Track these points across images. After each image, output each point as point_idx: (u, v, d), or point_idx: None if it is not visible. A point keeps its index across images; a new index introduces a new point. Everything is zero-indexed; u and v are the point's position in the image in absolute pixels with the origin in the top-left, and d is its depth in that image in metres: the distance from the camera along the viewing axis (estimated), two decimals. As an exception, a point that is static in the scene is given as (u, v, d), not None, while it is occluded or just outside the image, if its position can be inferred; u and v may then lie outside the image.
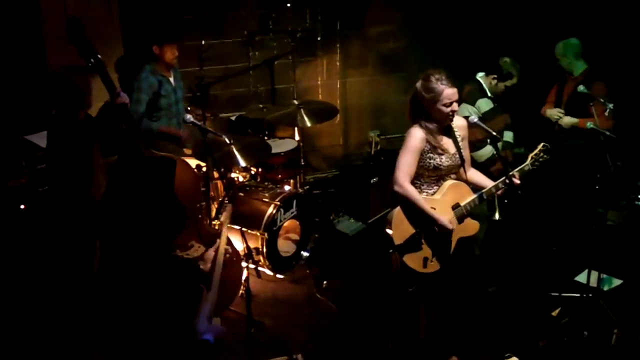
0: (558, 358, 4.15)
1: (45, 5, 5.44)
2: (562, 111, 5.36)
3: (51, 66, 3.99)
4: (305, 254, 5.30)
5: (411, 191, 3.64)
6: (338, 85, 6.96)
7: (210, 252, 3.89)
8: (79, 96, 4.00)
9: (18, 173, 4.76)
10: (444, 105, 3.60)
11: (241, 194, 5.14)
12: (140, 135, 4.05)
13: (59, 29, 4.37)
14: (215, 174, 4.86)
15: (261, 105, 5.70)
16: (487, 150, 5.01)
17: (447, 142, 3.72)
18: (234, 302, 4.41)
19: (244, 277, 4.29)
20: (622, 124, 5.04)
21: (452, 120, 3.70)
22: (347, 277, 5.07)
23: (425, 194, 3.72)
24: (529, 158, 3.87)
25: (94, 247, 3.97)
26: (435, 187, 3.74)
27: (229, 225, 4.27)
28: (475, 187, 3.84)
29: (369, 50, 6.93)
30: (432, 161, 3.67)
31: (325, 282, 5.01)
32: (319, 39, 6.69)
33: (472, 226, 3.83)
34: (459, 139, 3.75)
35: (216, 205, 4.99)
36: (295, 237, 5.30)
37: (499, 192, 3.80)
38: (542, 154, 3.86)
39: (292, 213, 5.14)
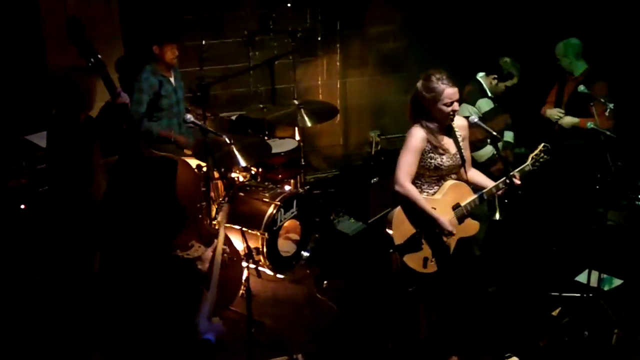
0: (558, 358, 4.15)
1: (45, 5, 5.44)
2: (562, 111, 5.36)
3: (56, 67, 3.99)
4: (305, 253, 5.31)
5: (412, 191, 3.64)
6: (338, 85, 6.96)
7: (208, 252, 3.89)
8: (82, 98, 4.01)
9: (18, 173, 4.76)
10: (445, 104, 3.60)
11: (241, 193, 5.14)
12: (140, 135, 4.05)
13: (59, 29, 4.37)
14: (216, 174, 4.86)
15: (261, 105, 5.70)
16: (488, 150, 5.01)
17: (448, 142, 3.72)
18: (234, 302, 4.40)
19: (244, 277, 4.29)
20: (623, 124, 5.04)
21: (452, 120, 3.70)
22: (347, 277, 5.08)
23: (425, 193, 3.72)
24: (530, 158, 3.87)
25: (94, 247, 3.97)
26: (435, 187, 3.74)
27: (228, 225, 4.27)
28: (475, 187, 3.84)
29: (369, 50, 6.93)
30: (433, 161, 3.67)
31: (325, 282, 5.01)
32: (319, 39, 6.70)
33: (472, 226, 3.84)
34: (459, 139, 3.75)
35: (217, 205, 4.99)
36: (296, 237, 5.31)
37: (500, 192, 3.80)
38: (542, 155, 3.86)
39: (292, 213, 5.14)
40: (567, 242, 5.29)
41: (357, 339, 4.34)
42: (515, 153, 5.25)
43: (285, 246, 5.23)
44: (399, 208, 3.69)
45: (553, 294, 4.70)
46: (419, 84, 3.67)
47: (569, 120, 5.30)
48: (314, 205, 5.46)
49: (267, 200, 5.01)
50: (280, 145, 5.59)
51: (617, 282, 4.82)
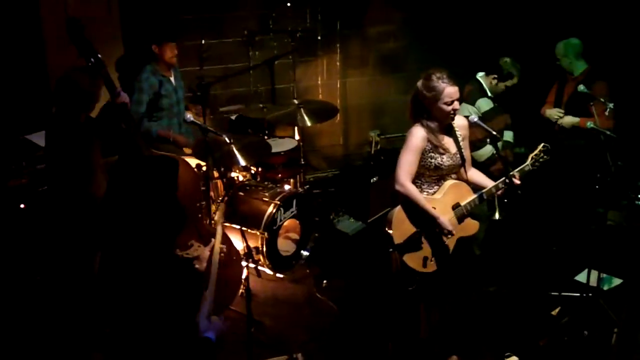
0: (558, 358, 4.15)
1: (45, 5, 5.44)
2: (562, 111, 5.36)
3: (69, 69, 4.01)
4: (305, 253, 5.31)
5: (412, 190, 3.64)
6: (338, 85, 6.97)
7: (206, 252, 3.89)
8: (87, 99, 4.02)
9: (18, 173, 4.76)
10: (445, 103, 3.60)
11: (241, 193, 5.14)
12: (140, 135, 4.05)
13: (59, 29, 4.38)
14: (215, 174, 4.86)
15: (261, 105, 5.70)
16: (487, 150, 5.01)
17: (448, 142, 3.72)
18: (234, 302, 4.40)
19: (244, 277, 4.29)
20: (623, 124, 5.04)
21: (453, 119, 3.69)
22: (347, 276, 5.08)
23: (425, 193, 3.72)
24: (530, 158, 3.87)
25: (95, 247, 3.97)
26: (435, 187, 3.74)
27: (227, 224, 4.27)
28: (475, 187, 3.84)
29: (369, 50, 6.93)
30: (433, 161, 3.66)
31: (325, 281, 5.01)
32: (319, 38, 6.70)
33: (472, 226, 3.84)
34: (460, 139, 3.74)
35: (216, 205, 5.00)
36: (295, 236, 5.31)
37: (499, 192, 3.80)
38: (542, 155, 3.86)
39: (292, 212, 5.15)
40: (567, 242, 5.29)
41: (357, 338, 4.34)
42: (515, 153, 5.25)
43: (285, 246, 5.23)
44: (399, 207, 3.69)
45: (553, 293, 4.70)
46: (420, 83, 3.67)
47: (569, 120, 5.30)
48: (313, 204, 5.46)
49: (266, 199, 5.01)
50: (280, 145, 5.59)
51: (617, 281, 4.82)
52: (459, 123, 3.78)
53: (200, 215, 4.34)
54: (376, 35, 6.90)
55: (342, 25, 6.77)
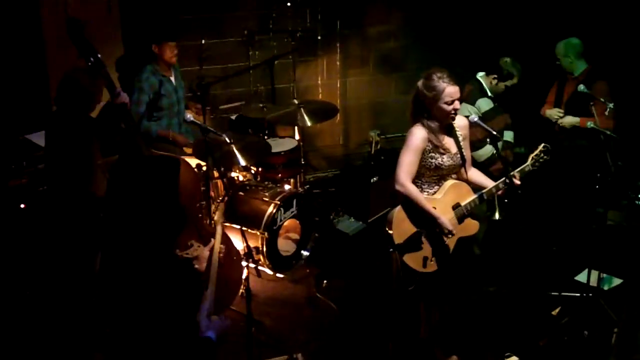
0: (558, 358, 4.15)
1: (45, 5, 5.44)
2: (562, 111, 5.36)
3: (64, 68, 4.02)
4: (305, 253, 5.31)
5: (413, 190, 3.64)
6: (338, 85, 6.97)
7: (205, 252, 3.89)
8: (89, 99, 4.02)
9: (18, 173, 4.76)
10: (446, 103, 3.60)
11: (241, 193, 5.14)
12: (140, 135, 4.05)
13: (59, 29, 4.38)
14: (215, 174, 4.86)
15: (261, 105, 5.71)
16: (487, 150, 5.00)
17: (448, 142, 3.72)
18: (234, 302, 4.40)
19: (244, 277, 4.29)
20: (623, 124, 5.04)
21: (454, 119, 3.69)
22: (347, 276, 5.08)
23: (426, 193, 3.72)
24: (530, 159, 3.87)
25: (95, 247, 3.97)
26: (436, 187, 3.74)
27: (227, 224, 4.26)
28: (475, 187, 3.84)
29: (369, 50, 6.93)
30: (433, 161, 3.66)
31: (325, 281, 5.01)
32: (319, 38, 6.69)
33: (472, 226, 3.84)
34: (460, 139, 3.74)
35: (216, 205, 5.00)
36: (296, 236, 5.31)
37: (500, 192, 3.80)
38: (542, 155, 3.86)
39: (292, 212, 5.15)
40: (567, 242, 5.29)
41: (357, 338, 4.34)
42: (515, 153, 5.25)
43: (285, 246, 5.23)
44: (399, 207, 3.69)
45: (553, 293, 4.70)
46: (420, 83, 3.66)
47: (569, 120, 5.30)
48: (313, 204, 5.46)
49: (266, 199, 5.01)
50: (280, 145, 5.59)
51: (617, 281, 4.82)
52: (460, 123, 3.78)
53: (200, 215, 4.34)
54: (376, 35, 6.90)
55: (342, 25, 6.77)
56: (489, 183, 3.83)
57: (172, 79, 5.31)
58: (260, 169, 5.46)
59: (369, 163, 6.21)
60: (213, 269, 3.71)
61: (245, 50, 6.20)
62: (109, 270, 3.83)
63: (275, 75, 6.05)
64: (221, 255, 3.98)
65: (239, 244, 4.34)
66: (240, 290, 4.44)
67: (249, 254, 3.95)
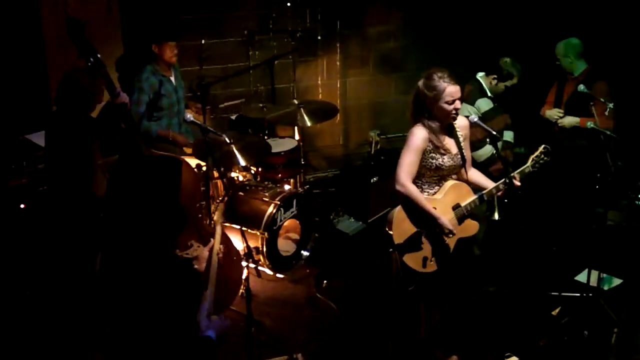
0: (558, 358, 4.15)
1: (45, 5, 5.44)
2: (562, 111, 5.35)
3: (64, 68, 4.03)
4: (305, 253, 5.31)
5: (413, 190, 3.64)
6: (338, 85, 6.97)
7: (205, 252, 3.89)
8: (89, 99, 4.02)
9: (18, 173, 4.76)
10: (447, 102, 3.59)
11: (241, 193, 5.14)
12: (140, 135, 4.05)
13: (59, 29, 4.37)
14: (215, 174, 4.86)
15: (261, 105, 5.71)
16: (487, 150, 5.00)
17: (449, 142, 3.72)
18: (234, 302, 4.40)
19: (244, 277, 4.29)
20: (623, 124, 5.04)
21: (454, 119, 3.69)
22: (347, 276, 5.08)
23: (426, 193, 3.72)
24: (530, 160, 3.87)
25: (95, 247, 3.97)
26: (436, 187, 3.74)
27: (227, 224, 4.25)
28: (475, 188, 3.84)
29: (369, 50, 6.93)
30: (434, 161, 3.66)
31: (325, 281, 5.01)
32: (319, 38, 6.69)
33: (472, 227, 3.84)
34: (460, 139, 3.74)
35: (216, 205, 5.00)
36: (296, 236, 5.31)
37: (500, 193, 3.80)
38: (543, 156, 3.86)
39: (292, 212, 5.14)
40: (567, 242, 5.29)
41: (357, 339, 4.34)
42: (515, 153, 5.25)
43: (285, 246, 5.23)
44: (399, 207, 3.69)
45: (553, 293, 4.70)
46: (421, 83, 3.66)
47: (570, 120, 5.29)
48: (313, 204, 5.46)
49: (266, 199, 5.01)
50: (280, 145, 5.59)
51: (617, 281, 4.82)
52: (460, 123, 3.77)
53: (200, 216, 4.34)
54: (376, 35, 6.90)
55: (342, 25, 6.77)
56: (488, 184, 3.83)
57: (172, 79, 5.31)
58: (260, 169, 5.46)
59: (369, 163, 6.21)
60: (213, 269, 3.71)
61: (245, 50, 6.20)
62: (109, 270, 3.83)
63: (275, 75, 6.05)
64: (221, 255, 3.99)
65: (238, 244, 4.34)
66: (240, 291, 4.43)
67: (249, 254, 3.95)
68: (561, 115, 5.34)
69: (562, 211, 5.44)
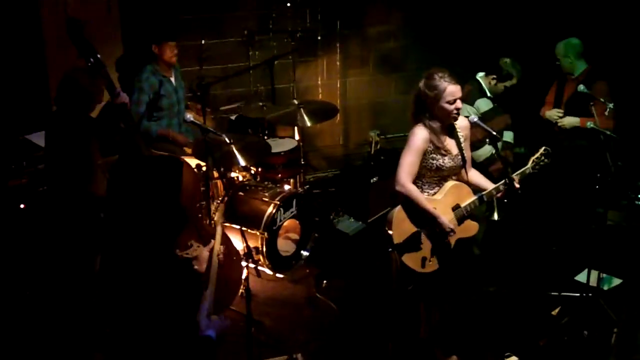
0: (558, 358, 4.15)
1: (45, 5, 5.44)
2: (562, 111, 5.35)
3: (64, 68, 4.03)
4: (305, 253, 5.31)
5: (413, 191, 3.64)
6: (338, 85, 6.96)
7: (205, 252, 3.89)
8: (89, 99, 4.02)
9: (18, 173, 4.76)
10: (448, 102, 3.59)
11: (241, 193, 5.14)
12: (140, 135, 4.06)
13: (59, 29, 4.37)
14: (215, 174, 4.86)
15: (261, 105, 5.71)
16: (486, 150, 5.00)
17: (450, 143, 3.71)
18: (234, 302, 4.40)
19: (244, 277, 4.29)
20: (623, 124, 5.04)
21: (455, 119, 3.68)
22: (347, 277, 5.08)
23: (426, 194, 3.72)
24: (530, 161, 3.88)
25: (95, 247, 3.97)
26: (436, 188, 3.74)
27: (227, 224, 4.25)
28: (475, 188, 3.84)
29: (369, 50, 6.93)
30: (434, 162, 3.66)
31: (325, 281, 5.01)
32: (319, 38, 6.69)
33: (471, 227, 3.84)
34: (461, 140, 3.74)
35: (215, 205, 5.00)
36: (295, 236, 5.31)
37: (499, 194, 3.80)
38: (543, 158, 3.87)
39: (292, 212, 5.14)
40: (567, 242, 5.29)
41: (357, 338, 4.34)
42: (515, 153, 5.25)
43: (285, 246, 5.23)
44: (399, 207, 3.69)
45: (553, 293, 4.70)
46: (422, 83, 3.65)
47: (569, 120, 5.29)
48: (313, 204, 5.46)
49: (266, 199, 5.01)
50: (280, 145, 5.59)
51: (616, 281, 4.82)
52: (461, 124, 3.77)
53: (200, 216, 4.34)
54: (376, 35, 6.90)
55: (342, 25, 6.77)
56: (488, 185, 3.83)
57: (172, 79, 5.31)
58: (260, 169, 5.46)
59: (368, 163, 6.21)
60: (213, 269, 3.71)
61: (245, 50, 6.20)
62: (109, 270, 3.83)
63: (275, 76, 6.05)
64: (220, 255, 3.99)
65: (238, 244, 4.34)
66: (240, 290, 4.43)
67: (248, 254, 3.95)
68: (561, 115, 5.34)
69: (562, 211, 5.44)
